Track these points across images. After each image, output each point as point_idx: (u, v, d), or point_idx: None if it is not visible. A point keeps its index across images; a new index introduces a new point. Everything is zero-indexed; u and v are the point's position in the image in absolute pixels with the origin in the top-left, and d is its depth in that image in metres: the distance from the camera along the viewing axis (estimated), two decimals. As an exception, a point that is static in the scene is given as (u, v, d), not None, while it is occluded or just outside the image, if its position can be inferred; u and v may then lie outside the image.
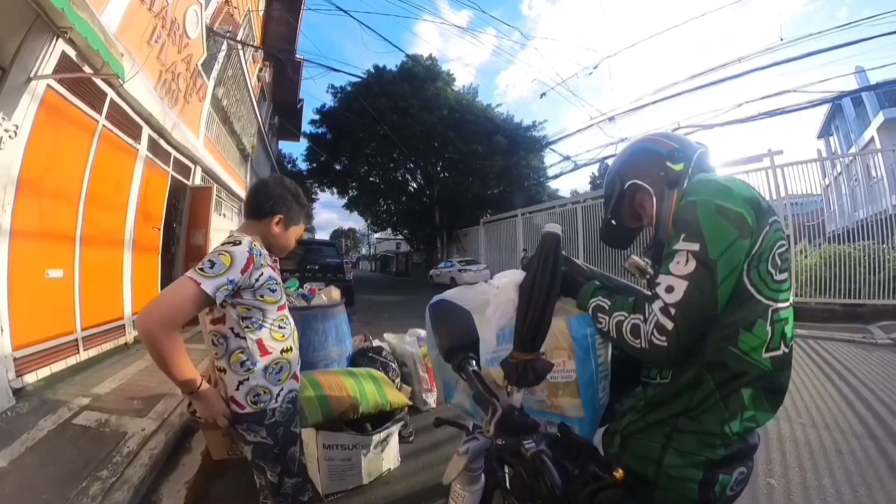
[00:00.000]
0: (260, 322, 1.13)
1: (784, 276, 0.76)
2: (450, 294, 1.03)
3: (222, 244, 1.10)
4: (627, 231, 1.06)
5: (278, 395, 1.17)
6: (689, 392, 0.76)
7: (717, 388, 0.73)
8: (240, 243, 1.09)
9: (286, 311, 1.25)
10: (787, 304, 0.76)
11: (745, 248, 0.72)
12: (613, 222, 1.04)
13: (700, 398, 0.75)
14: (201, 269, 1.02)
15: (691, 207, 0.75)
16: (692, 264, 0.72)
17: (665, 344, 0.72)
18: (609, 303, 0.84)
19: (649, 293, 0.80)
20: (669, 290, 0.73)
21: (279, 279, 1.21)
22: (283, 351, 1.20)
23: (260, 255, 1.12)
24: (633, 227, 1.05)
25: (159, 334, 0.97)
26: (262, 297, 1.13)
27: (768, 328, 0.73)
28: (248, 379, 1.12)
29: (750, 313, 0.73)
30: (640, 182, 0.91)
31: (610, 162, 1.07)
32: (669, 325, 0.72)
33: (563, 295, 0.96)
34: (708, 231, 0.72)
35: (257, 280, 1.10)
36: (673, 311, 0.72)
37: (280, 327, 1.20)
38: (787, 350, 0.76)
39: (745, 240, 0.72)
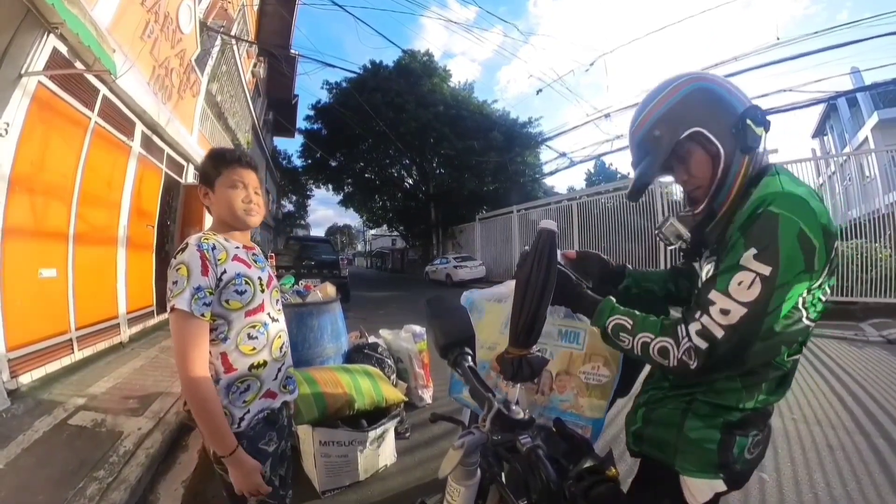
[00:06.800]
0: (224, 334, 1.00)
1: (826, 296, 0.74)
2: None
3: (173, 258, 0.99)
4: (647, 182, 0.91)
5: (242, 418, 1.02)
6: (714, 377, 0.78)
7: (741, 379, 0.77)
8: (186, 248, 0.98)
9: (263, 315, 1.07)
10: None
11: (805, 283, 0.67)
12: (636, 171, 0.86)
13: (723, 386, 0.78)
14: (171, 293, 0.93)
15: (773, 221, 0.65)
16: (756, 290, 0.65)
17: (694, 364, 0.70)
18: (631, 322, 0.78)
19: (678, 317, 0.75)
20: (724, 312, 0.67)
21: (252, 275, 1.05)
22: (252, 367, 1.04)
23: (213, 248, 0.99)
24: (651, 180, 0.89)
25: (189, 382, 0.92)
26: (226, 302, 1.00)
27: (799, 338, 0.76)
28: None
29: (796, 334, 0.72)
30: (707, 134, 0.73)
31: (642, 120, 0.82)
32: (704, 345, 0.69)
33: (561, 304, 0.91)
34: (785, 257, 0.64)
35: (221, 279, 0.99)
36: (720, 333, 0.67)
37: (250, 337, 1.03)
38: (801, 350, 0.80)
39: (808, 273, 0.66)
